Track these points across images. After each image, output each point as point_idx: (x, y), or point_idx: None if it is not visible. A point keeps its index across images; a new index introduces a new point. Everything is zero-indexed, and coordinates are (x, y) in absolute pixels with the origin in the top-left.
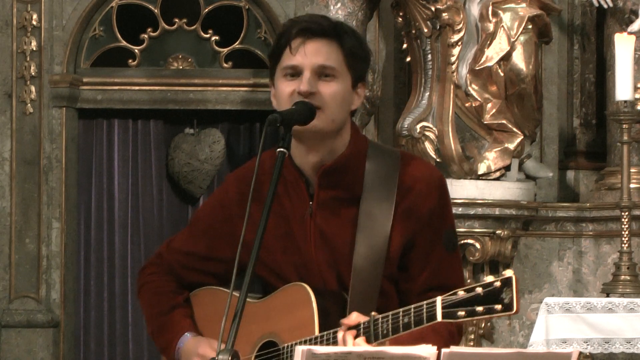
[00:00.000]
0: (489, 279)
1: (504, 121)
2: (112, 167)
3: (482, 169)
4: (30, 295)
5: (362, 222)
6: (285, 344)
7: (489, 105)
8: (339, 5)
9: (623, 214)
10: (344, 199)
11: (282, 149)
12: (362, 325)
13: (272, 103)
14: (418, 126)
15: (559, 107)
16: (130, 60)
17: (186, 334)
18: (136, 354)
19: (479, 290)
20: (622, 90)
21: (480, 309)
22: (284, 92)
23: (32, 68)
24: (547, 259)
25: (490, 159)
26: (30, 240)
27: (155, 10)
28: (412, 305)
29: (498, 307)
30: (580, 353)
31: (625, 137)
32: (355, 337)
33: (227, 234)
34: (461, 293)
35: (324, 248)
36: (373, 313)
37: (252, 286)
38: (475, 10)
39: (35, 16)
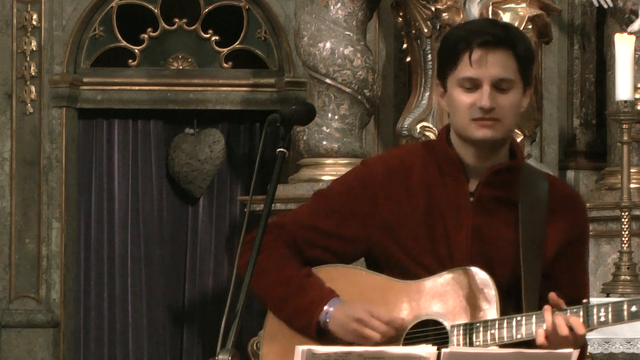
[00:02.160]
0: None
1: None
2: (112, 167)
3: None
4: (30, 295)
5: (524, 226)
6: (457, 322)
7: None
8: (339, 5)
9: (623, 214)
10: (503, 200)
11: (282, 149)
12: (570, 310)
13: (441, 104)
14: (418, 126)
15: (559, 107)
16: (130, 60)
17: (336, 298)
18: (136, 354)
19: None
20: (622, 90)
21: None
22: (463, 103)
23: (32, 68)
24: None
25: None
26: (30, 240)
27: (155, 10)
28: None
29: None
30: None
31: (625, 137)
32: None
33: (366, 214)
34: None
35: (478, 243)
36: (585, 300)
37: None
38: (475, 10)
39: (35, 16)
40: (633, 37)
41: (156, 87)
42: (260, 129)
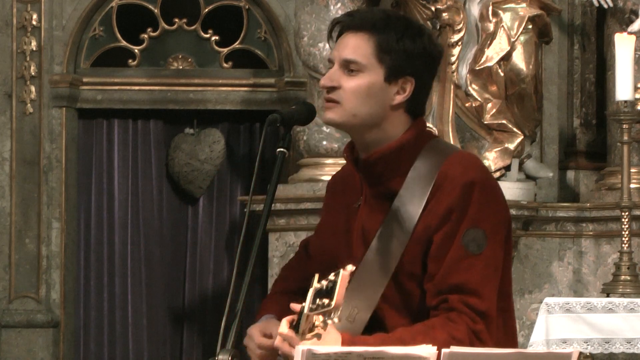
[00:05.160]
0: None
1: (504, 121)
2: (112, 167)
3: None
4: (30, 295)
5: (389, 218)
6: None
7: (489, 105)
8: (339, 5)
9: (623, 214)
10: (383, 195)
11: (282, 149)
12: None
13: None
14: None
15: (559, 107)
16: (130, 60)
17: (267, 315)
18: (136, 354)
19: (324, 282)
20: (622, 90)
21: (324, 301)
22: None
23: (32, 68)
24: (547, 259)
25: (491, 159)
26: (30, 240)
27: (155, 10)
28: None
29: (326, 301)
30: (580, 353)
31: (625, 137)
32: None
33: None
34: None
35: (363, 244)
36: (303, 304)
37: None
38: (475, 10)
39: (35, 16)
40: (633, 37)
41: (156, 87)
42: (260, 129)
